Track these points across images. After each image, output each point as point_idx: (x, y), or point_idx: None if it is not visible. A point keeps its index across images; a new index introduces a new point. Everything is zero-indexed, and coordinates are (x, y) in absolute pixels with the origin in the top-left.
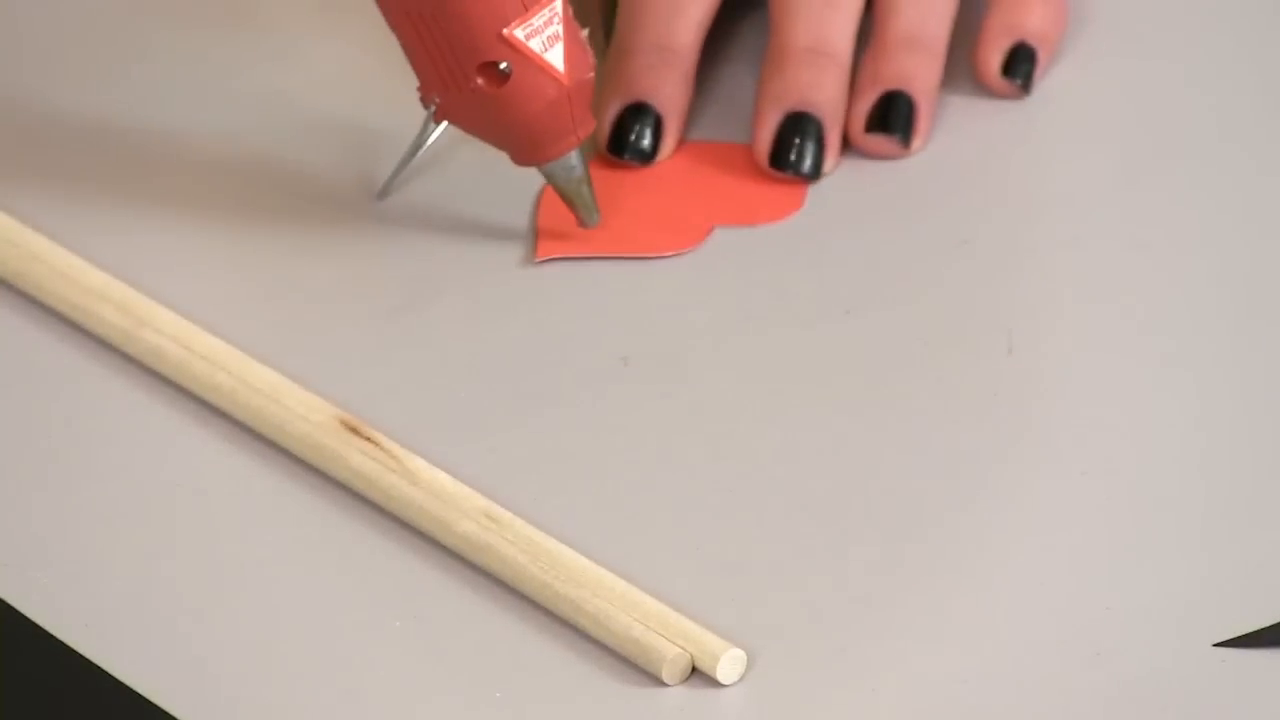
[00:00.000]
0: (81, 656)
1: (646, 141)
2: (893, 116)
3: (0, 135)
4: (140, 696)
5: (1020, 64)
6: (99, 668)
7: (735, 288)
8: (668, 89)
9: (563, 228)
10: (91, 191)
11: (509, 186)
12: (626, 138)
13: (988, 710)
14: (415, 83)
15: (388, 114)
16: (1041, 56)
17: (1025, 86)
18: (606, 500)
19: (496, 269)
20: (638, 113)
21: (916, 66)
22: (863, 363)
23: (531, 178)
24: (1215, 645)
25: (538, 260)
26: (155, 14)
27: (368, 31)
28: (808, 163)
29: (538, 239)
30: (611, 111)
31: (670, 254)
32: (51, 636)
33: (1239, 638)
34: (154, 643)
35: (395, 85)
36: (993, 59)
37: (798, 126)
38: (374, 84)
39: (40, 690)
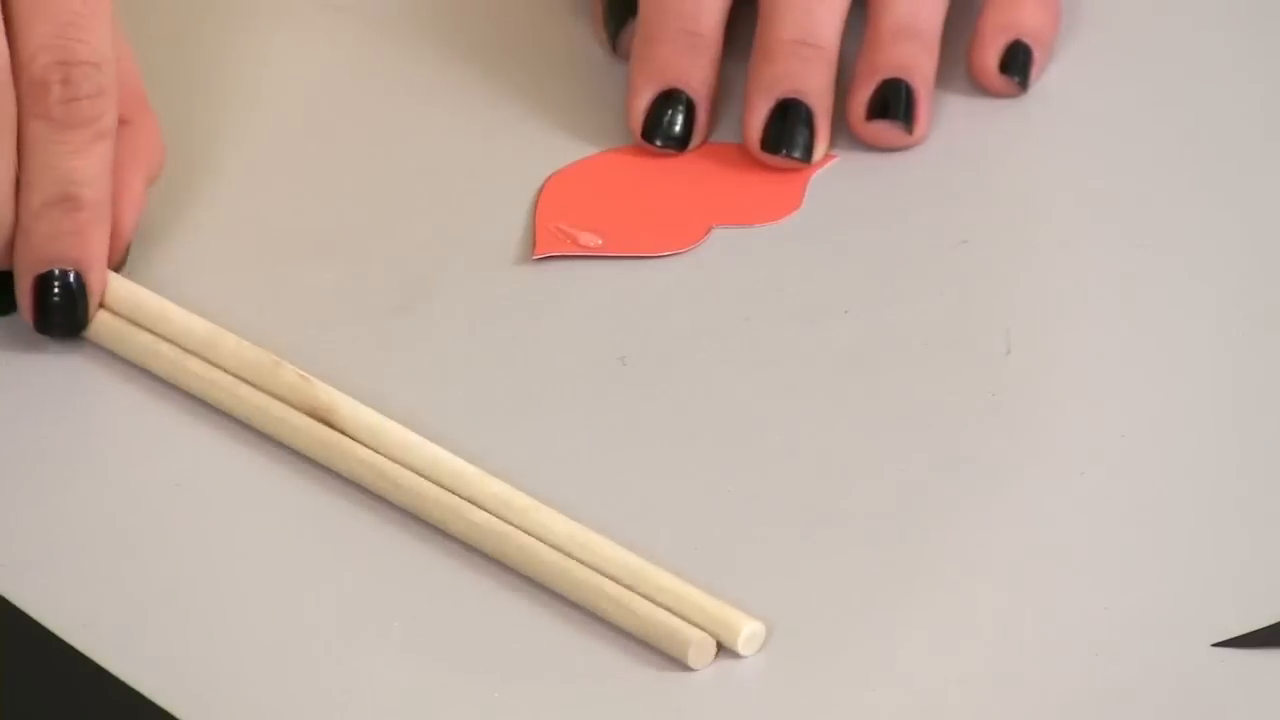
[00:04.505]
0: (81, 656)
1: (679, 127)
2: (893, 103)
3: None
4: (140, 696)
5: (1017, 61)
6: (99, 667)
7: (734, 287)
8: (698, 74)
9: (561, 227)
10: None
11: (508, 186)
12: (661, 124)
13: (987, 710)
14: (412, 79)
15: (389, 111)
16: (1038, 54)
17: (1023, 84)
18: (605, 500)
19: (495, 268)
20: (671, 99)
21: (912, 56)
22: (862, 362)
23: (531, 176)
24: (1215, 645)
25: (535, 257)
26: (154, 10)
27: (370, 29)
28: (799, 146)
29: (536, 237)
30: (644, 98)
31: (668, 254)
32: (51, 636)
33: (1239, 638)
34: (154, 642)
35: (395, 82)
36: (989, 57)
37: (788, 112)
38: (375, 80)
39: (40, 690)
